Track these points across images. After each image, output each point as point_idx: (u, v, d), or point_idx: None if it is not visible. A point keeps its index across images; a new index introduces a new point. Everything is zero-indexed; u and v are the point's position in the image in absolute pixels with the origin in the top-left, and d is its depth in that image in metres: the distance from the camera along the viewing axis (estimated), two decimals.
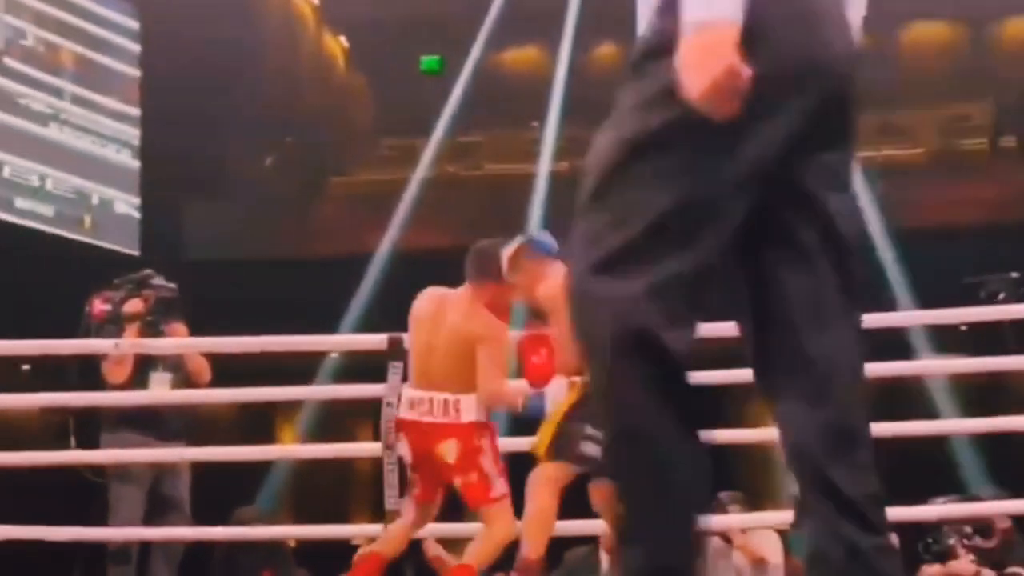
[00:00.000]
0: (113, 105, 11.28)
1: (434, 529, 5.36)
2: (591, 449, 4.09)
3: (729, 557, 6.04)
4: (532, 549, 4.13)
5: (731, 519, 5.75)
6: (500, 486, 4.24)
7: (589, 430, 4.07)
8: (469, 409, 4.20)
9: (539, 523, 4.17)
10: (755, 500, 6.43)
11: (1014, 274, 5.61)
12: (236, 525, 6.22)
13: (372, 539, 5.57)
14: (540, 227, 11.51)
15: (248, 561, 6.12)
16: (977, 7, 14.06)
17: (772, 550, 6.06)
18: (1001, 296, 5.48)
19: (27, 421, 10.15)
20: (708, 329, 1.91)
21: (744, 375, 2.01)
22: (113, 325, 5.30)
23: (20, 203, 10.64)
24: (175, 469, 5.40)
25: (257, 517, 6.50)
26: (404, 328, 4.91)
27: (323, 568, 6.38)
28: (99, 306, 5.32)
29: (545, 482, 4.18)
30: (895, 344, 7.60)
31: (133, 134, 11.53)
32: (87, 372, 5.31)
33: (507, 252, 4.34)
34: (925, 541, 5.54)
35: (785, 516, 4.92)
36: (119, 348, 5.17)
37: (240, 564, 6.11)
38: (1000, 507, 5.36)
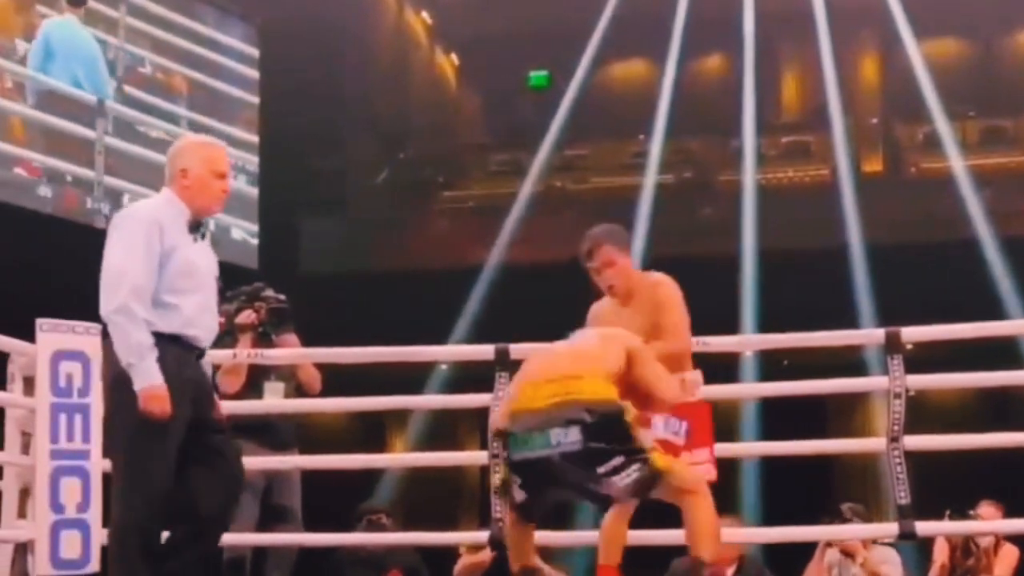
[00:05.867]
0: (233, 132, 11.33)
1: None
2: None
3: (849, 570, 5.93)
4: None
5: (850, 530, 5.66)
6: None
7: None
8: None
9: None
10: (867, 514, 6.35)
11: None
12: (363, 519, 6.32)
13: (478, 547, 5.71)
14: (646, 240, 11.59)
15: (375, 559, 6.20)
16: None
17: (892, 566, 5.93)
18: None
19: None
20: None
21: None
22: (228, 336, 5.37)
23: None
24: (287, 478, 5.46)
25: (384, 510, 6.56)
26: (511, 339, 5.03)
27: (432, 573, 6.50)
28: None
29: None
30: (1005, 353, 7.54)
31: (251, 160, 11.56)
32: None
33: None
34: None
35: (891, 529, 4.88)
36: (236, 358, 5.31)
37: (366, 563, 6.20)
38: None
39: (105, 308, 3.75)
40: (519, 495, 3.85)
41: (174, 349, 3.77)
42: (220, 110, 11.35)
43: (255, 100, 11.78)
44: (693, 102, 13.66)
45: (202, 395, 3.90)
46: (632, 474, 3.73)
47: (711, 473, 4.27)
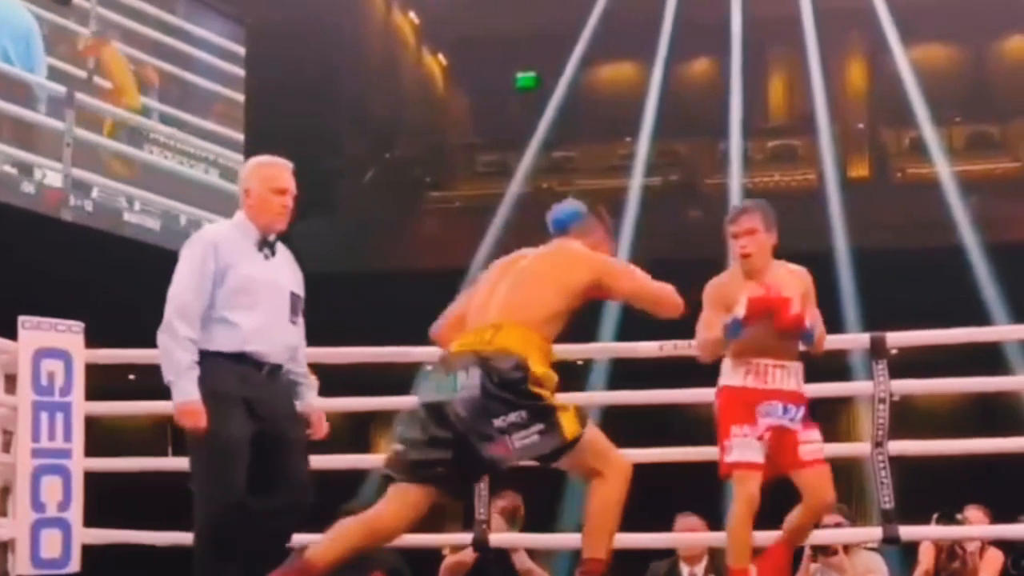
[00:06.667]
0: (204, 125, 11.39)
1: (516, 539, 5.46)
2: None
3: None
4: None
5: (835, 534, 5.64)
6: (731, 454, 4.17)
7: None
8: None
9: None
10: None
11: None
12: (344, 517, 6.29)
13: (459, 548, 5.70)
14: (632, 242, 11.58)
15: (357, 560, 6.19)
16: None
17: (877, 572, 5.91)
18: None
19: (135, 431, 10.42)
20: None
21: None
22: None
23: (128, 216, 10.85)
24: None
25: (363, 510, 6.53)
26: None
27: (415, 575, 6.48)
28: None
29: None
30: (990, 358, 7.55)
31: (225, 154, 11.58)
32: None
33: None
34: (1012, 557, 5.55)
35: (875, 533, 4.88)
36: None
37: (348, 563, 6.18)
38: None
39: (161, 332, 3.89)
40: (396, 447, 3.59)
41: (236, 367, 3.87)
42: (191, 103, 11.36)
43: (231, 94, 11.78)
44: (680, 105, 13.68)
45: (273, 412, 3.93)
46: (532, 435, 3.40)
47: (821, 452, 4.26)
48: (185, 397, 3.81)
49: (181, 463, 5.34)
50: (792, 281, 4.31)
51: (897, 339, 4.86)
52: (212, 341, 3.86)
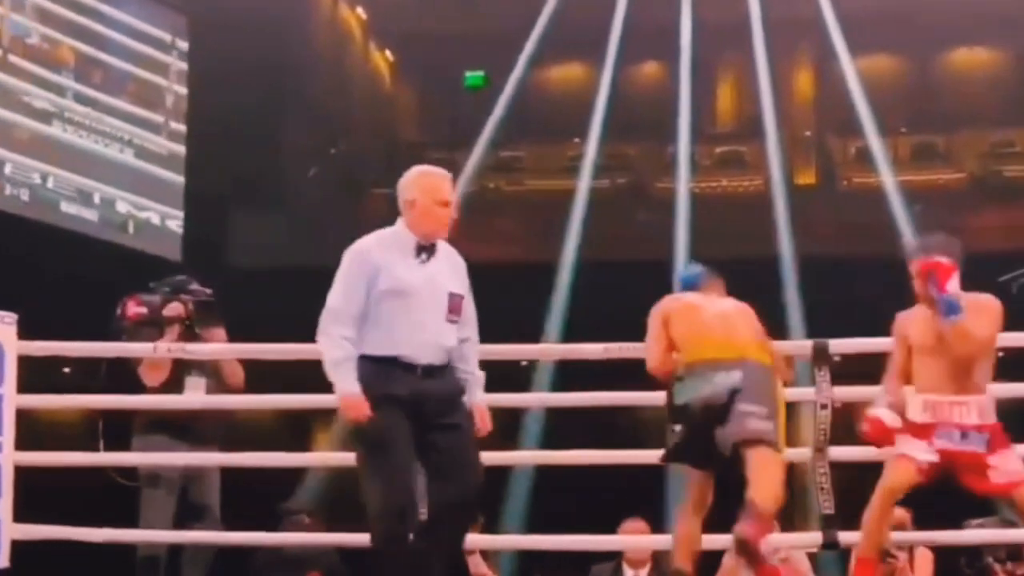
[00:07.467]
0: (119, 105, 11.42)
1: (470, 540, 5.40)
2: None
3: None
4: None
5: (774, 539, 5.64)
6: None
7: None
8: None
9: None
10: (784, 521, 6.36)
11: None
12: (285, 517, 6.23)
13: None
14: (580, 244, 11.57)
15: (295, 560, 6.12)
16: (1022, 33, 14.03)
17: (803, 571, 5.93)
18: None
19: (69, 425, 10.26)
20: None
21: None
22: (152, 327, 5.29)
23: (66, 207, 10.77)
24: (206, 476, 5.33)
25: (305, 510, 6.46)
26: None
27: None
28: (134, 308, 5.32)
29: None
30: None
31: (140, 135, 11.59)
32: (115, 374, 5.31)
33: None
34: (965, 558, 5.59)
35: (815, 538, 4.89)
36: (156, 351, 5.21)
37: (286, 563, 6.11)
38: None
39: (319, 335, 4.10)
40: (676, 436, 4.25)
41: (387, 369, 4.01)
42: (107, 85, 11.40)
43: (154, 78, 11.84)
44: (630, 108, 13.69)
45: (429, 409, 4.03)
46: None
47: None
48: (345, 391, 3.98)
49: (113, 458, 5.28)
50: (980, 320, 4.29)
51: (840, 346, 4.87)
52: (366, 345, 4.02)
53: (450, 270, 4.15)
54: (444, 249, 4.19)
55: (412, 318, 4.02)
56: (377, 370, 4.00)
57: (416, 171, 4.24)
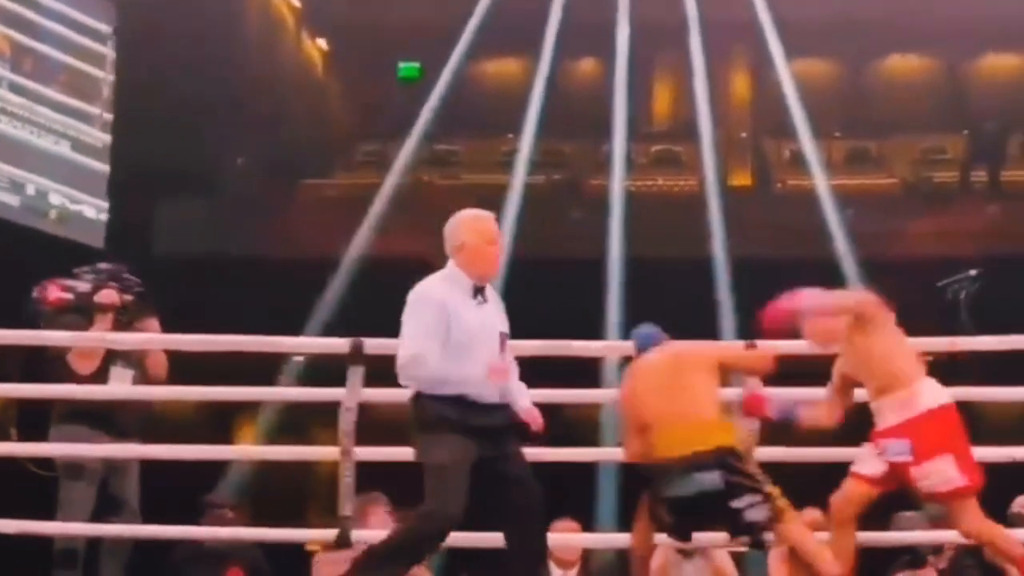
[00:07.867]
0: (49, 94, 11.25)
1: None
2: None
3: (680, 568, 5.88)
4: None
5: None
6: None
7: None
8: None
9: None
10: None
11: (972, 272, 5.76)
12: (207, 510, 6.13)
13: (327, 545, 5.53)
14: (514, 241, 11.50)
15: (215, 554, 6.03)
16: (954, 41, 14.19)
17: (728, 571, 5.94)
18: (962, 295, 5.65)
19: None
20: None
21: None
22: (76, 315, 5.15)
23: None
24: (125, 468, 5.24)
25: (229, 504, 6.38)
26: (368, 333, 4.86)
27: (277, 572, 6.31)
28: (56, 293, 5.17)
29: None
30: None
31: (74, 126, 11.45)
32: (31, 360, 5.14)
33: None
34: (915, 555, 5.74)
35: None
36: (79, 340, 5.06)
37: (207, 557, 6.02)
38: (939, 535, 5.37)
39: (401, 378, 4.26)
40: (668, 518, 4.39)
41: (458, 407, 4.19)
42: (40, 74, 11.23)
43: (89, 69, 11.64)
44: (565, 104, 13.64)
45: (496, 436, 4.24)
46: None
47: (959, 481, 4.30)
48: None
49: (29, 448, 5.13)
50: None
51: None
52: (433, 388, 4.19)
53: (496, 309, 4.37)
54: (490, 291, 4.36)
55: (476, 362, 4.20)
56: (446, 405, 4.18)
57: (462, 215, 4.38)
